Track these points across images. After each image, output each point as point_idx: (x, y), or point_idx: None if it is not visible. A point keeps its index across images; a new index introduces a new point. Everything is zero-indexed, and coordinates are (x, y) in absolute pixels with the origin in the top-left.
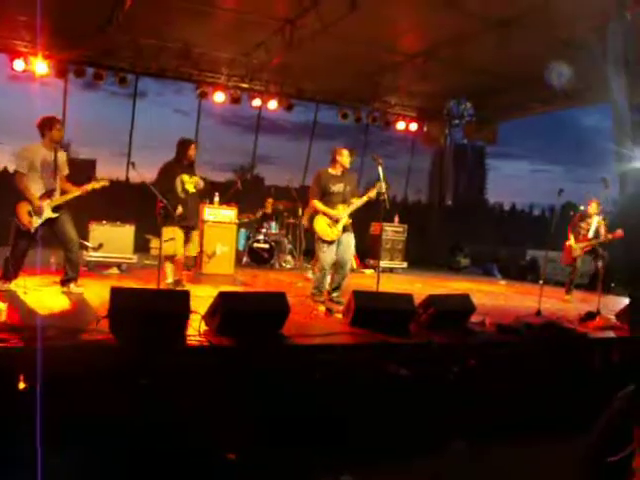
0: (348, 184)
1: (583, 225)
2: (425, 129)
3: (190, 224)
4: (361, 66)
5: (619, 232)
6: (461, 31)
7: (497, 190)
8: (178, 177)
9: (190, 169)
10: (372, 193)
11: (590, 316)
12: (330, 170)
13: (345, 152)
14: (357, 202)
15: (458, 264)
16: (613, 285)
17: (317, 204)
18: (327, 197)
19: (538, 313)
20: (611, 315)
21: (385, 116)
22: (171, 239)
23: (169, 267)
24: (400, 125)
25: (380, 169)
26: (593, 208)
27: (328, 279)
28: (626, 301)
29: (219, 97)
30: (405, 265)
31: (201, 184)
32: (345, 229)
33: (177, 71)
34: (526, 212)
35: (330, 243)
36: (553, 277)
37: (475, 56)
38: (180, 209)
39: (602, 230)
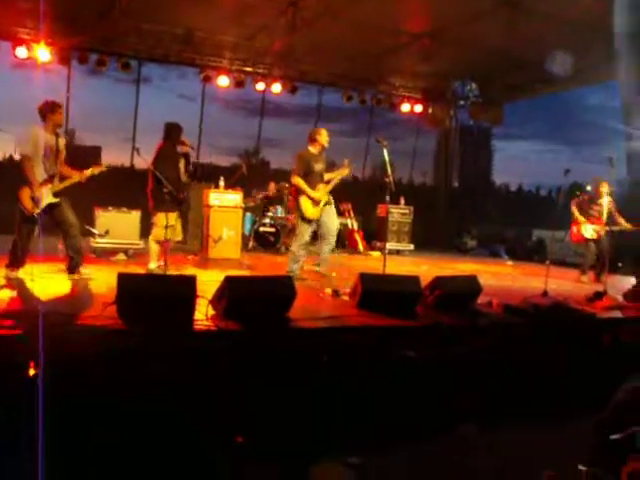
0: (324, 163)
1: (594, 207)
2: (430, 110)
3: (183, 208)
4: (365, 47)
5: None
6: (466, 11)
7: (503, 171)
8: (180, 162)
9: (182, 155)
10: (344, 172)
11: (597, 296)
12: (310, 149)
13: (324, 132)
14: (335, 181)
15: (465, 245)
16: (620, 265)
17: (300, 182)
18: (310, 176)
19: (545, 294)
20: (618, 295)
21: (390, 98)
22: (171, 226)
23: (155, 251)
24: (405, 107)
25: (385, 151)
26: (604, 188)
27: (304, 254)
28: (633, 281)
29: (223, 81)
30: (412, 247)
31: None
32: (326, 203)
33: (180, 56)
34: (533, 193)
35: (311, 221)
36: (560, 257)
37: (480, 36)
38: (181, 194)
39: (614, 212)
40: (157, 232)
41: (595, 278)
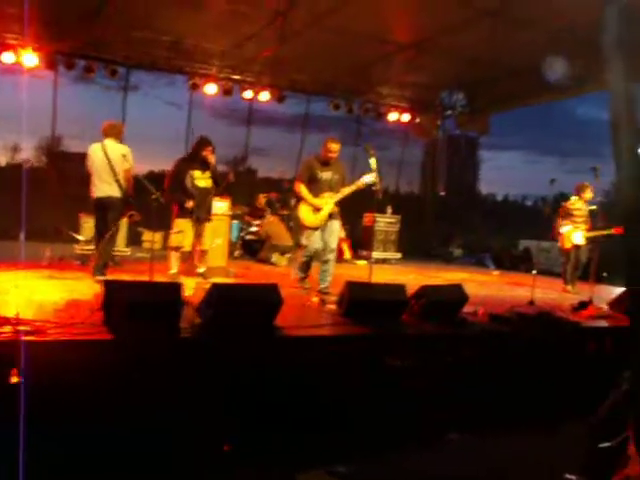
0: (336, 173)
1: (577, 213)
2: (417, 120)
3: (200, 217)
4: (353, 57)
5: (619, 228)
6: (453, 21)
7: (490, 181)
8: (188, 173)
9: (204, 166)
10: (360, 183)
11: (582, 305)
12: (320, 157)
13: (328, 142)
14: (345, 190)
15: (451, 255)
16: (605, 275)
17: (301, 189)
18: (314, 184)
19: (531, 303)
20: (603, 304)
21: (377, 107)
22: (180, 231)
23: (174, 257)
24: (392, 116)
25: (372, 160)
26: (588, 194)
27: (311, 264)
28: (618, 290)
29: (211, 89)
30: (399, 256)
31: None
32: (331, 216)
33: (168, 63)
34: (519, 203)
35: (314, 229)
36: (546, 267)
37: (467, 46)
38: (190, 203)
39: (598, 217)
40: (171, 238)
41: (565, 281)
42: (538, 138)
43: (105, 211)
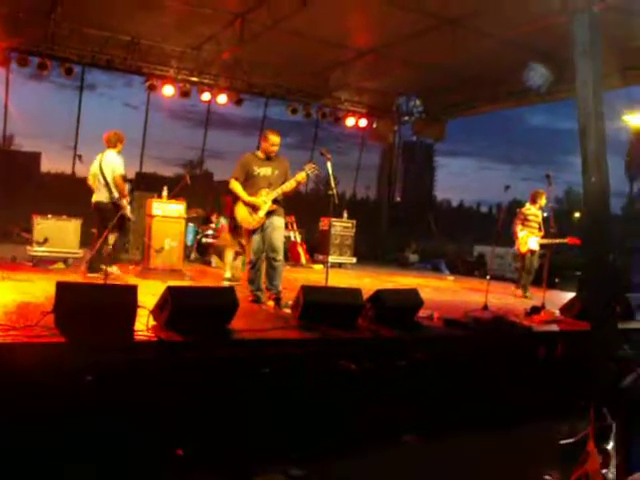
0: (276, 168)
1: (532, 218)
2: (375, 125)
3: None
4: (311, 62)
5: (573, 238)
6: (412, 29)
7: (445, 187)
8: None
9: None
10: (300, 177)
11: (535, 310)
12: (257, 153)
13: (271, 138)
14: (284, 186)
15: (407, 260)
16: (557, 281)
17: (235, 186)
18: (251, 180)
19: (485, 308)
20: (555, 309)
21: (335, 112)
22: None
23: (229, 262)
24: (350, 121)
25: (329, 164)
26: (543, 201)
27: (262, 272)
28: (569, 295)
29: (168, 90)
30: (354, 260)
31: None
32: (271, 213)
33: (125, 63)
34: (474, 209)
35: (253, 231)
36: (500, 272)
37: (426, 54)
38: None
39: (551, 225)
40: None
41: (517, 286)
42: (491, 145)
43: (98, 214)
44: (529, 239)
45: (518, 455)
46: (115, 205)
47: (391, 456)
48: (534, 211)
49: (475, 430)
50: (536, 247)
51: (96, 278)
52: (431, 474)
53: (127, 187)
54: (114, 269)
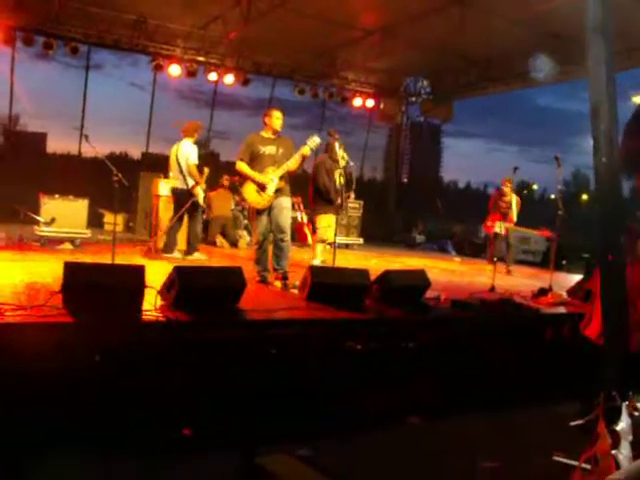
0: (281, 147)
1: (502, 204)
2: (382, 106)
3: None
4: (319, 41)
5: (546, 232)
6: (418, 8)
7: (452, 168)
8: (336, 172)
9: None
10: (304, 150)
11: (542, 292)
12: (261, 133)
13: (275, 113)
14: (290, 163)
15: (413, 240)
16: (564, 263)
17: (242, 166)
18: (257, 160)
19: (492, 289)
20: (562, 292)
21: (342, 92)
22: (329, 226)
23: (320, 248)
24: (357, 101)
25: (336, 144)
26: (507, 188)
27: (269, 252)
28: (576, 278)
29: (174, 70)
30: (361, 241)
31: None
32: (279, 192)
33: (131, 43)
34: (480, 191)
35: (262, 211)
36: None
37: (433, 34)
38: (339, 200)
39: (559, 207)
40: (320, 232)
41: (507, 271)
42: (500, 127)
43: (174, 199)
44: (499, 222)
45: (524, 436)
46: (189, 192)
47: (395, 437)
48: (503, 198)
49: (481, 411)
50: (500, 230)
51: (171, 259)
52: (435, 455)
53: (204, 174)
54: (196, 255)
